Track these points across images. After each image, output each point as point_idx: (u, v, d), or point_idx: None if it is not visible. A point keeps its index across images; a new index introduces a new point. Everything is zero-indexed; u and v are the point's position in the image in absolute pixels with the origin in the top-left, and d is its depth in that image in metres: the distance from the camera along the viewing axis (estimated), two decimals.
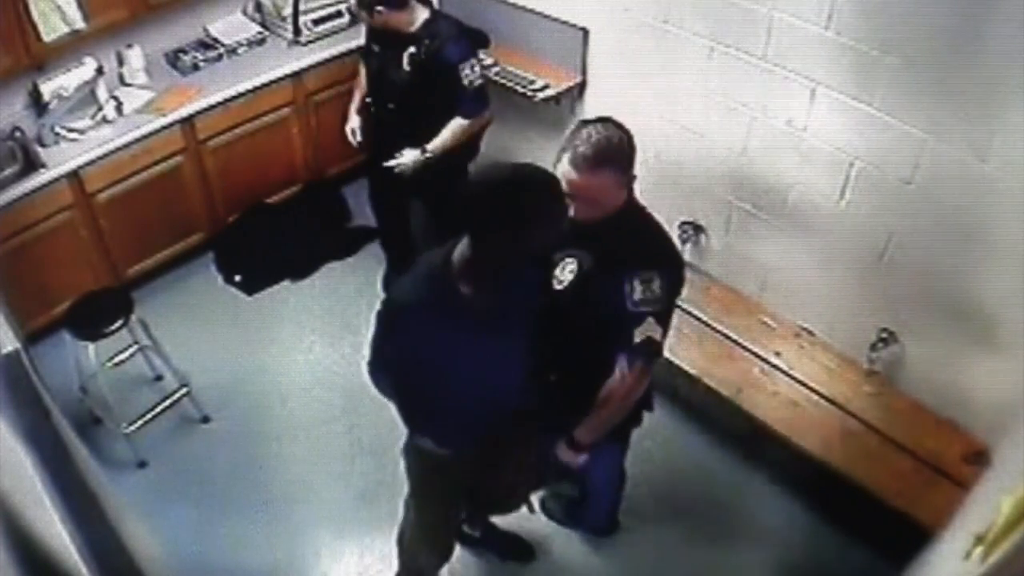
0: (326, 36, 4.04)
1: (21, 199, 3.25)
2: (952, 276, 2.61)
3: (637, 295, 1.95)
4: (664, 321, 2.04)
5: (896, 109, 2.54)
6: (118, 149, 3.47)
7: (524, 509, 2.67)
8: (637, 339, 1.99)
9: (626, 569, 2.91)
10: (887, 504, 2.60)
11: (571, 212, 1.89)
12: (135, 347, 3.30)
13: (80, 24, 3.35)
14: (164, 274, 3.91)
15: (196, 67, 3.84)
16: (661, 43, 3.10)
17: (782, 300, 3.19)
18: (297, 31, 3.97)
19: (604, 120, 1.98)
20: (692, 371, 3.03)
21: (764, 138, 2.95)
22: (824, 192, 2.85)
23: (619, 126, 1.96)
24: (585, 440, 2.19)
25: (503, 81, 3.58)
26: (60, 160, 3.35)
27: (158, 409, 3.24)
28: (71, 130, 3.45)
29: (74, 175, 3.39)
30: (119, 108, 3.56)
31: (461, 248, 1.82)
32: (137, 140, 3.51)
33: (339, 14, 4.06)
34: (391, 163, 3.27)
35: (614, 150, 1.92)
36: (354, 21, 4.00)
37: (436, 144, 3.20)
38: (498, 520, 2.87)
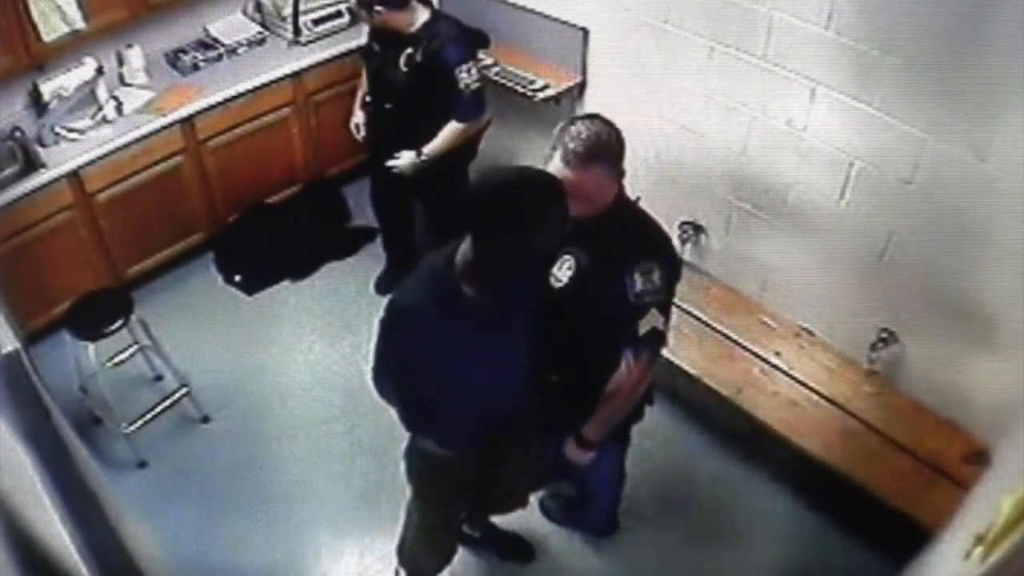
0: (326, 36, 4.04)
1: (21, 199, 3.25)
2: (952, 276, 2.61)
3: (638, 287, 1.97)
4: (666, 311, 2.06)
5: (896, 109, 2.54)
6: (118, 149, 3.47)
7: (524, 509, 2.68)
8: (642, 330, 2.01)
9: (626, 569, 2.91)
10: (887, 504, 2.60)
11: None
12: (135, 347, 3.30)
13: (80, 24, 3.35)
14: (164, 274, 3.91)
15: (196, 67, 3.84)
16: (661, 43, 3.10)
17: (782, 300, 3.19)
18: (297, 31, 3.97)
19: (592, 116, 2.00)
20: (692, 371, 3.03)
21: (764, 138, 2.95)
22: (824, 192, 2.85)
23: (606, 121, 1.98)
24: (594, 437, 2.20)
25: (503, 81, 3.58)
26: (60, 160, 3.35)
27: (158, 409, 3.24)
28: (71, 130, 3.45)
29: (74, 175, 3.39)
30: (119, 108, 3.56)
31: (463, 249, 1.82)
32: (137, 140, 3.51)
33: (339, 14, 4.06)
34: (390, 163, 3.28)
35: (604, 145, 1.93)
36: (354, 21, 4.01)
37: (431, 147, 3.21)
38: (498, 520, 2.87)
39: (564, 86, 3.52)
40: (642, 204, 2.18)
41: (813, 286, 3.05)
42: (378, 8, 3.03)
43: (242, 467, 3.19)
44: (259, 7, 4.14)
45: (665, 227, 2.15)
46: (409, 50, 3.07)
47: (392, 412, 2.15)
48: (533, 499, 2.84)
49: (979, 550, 1.16)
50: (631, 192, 2.12)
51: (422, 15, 3.09)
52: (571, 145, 1.90)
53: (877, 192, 2.71)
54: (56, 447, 1.59)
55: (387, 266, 3.91)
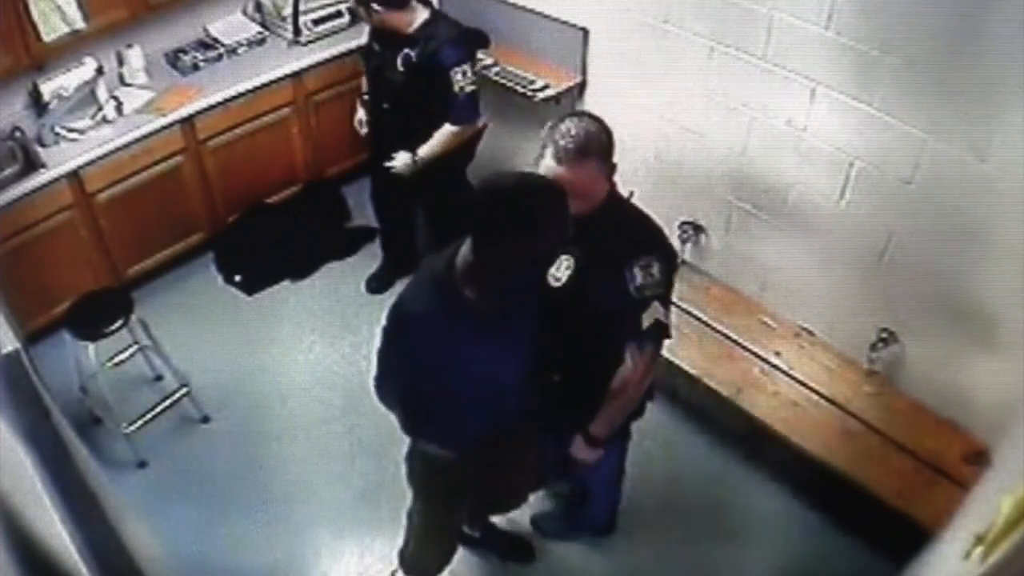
0: (326, 36, 4.03)
1: (21, 199, 3.25)
2: (952, 276, 2.61)
3: (639, 281, 1.99)
4: (667, 303, 2.07)
5: (896, 109, 2.54)
6: (118, 149, 3.47)
7: (523, 509, 2.68)
8: (645, 324, 2.02)
9: (626, 569, 2.92)
10: (887, 504, 2.60)
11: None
12: (135, 347, 3.30)
13: (80, 24, 3.35)
14: (164, 274, 3.91)
15: (196, 67, 3.84)
16: (661, 43, 3.10)
17: (782, 300, 3.19)
18: (297, 31, 3.97)
19: (580, 114, 2.01)
20: (692, 371, 3.03)
21: (764, 138, 2.95)
22: (824, 192, 2.85)
23: (594, 118, 1.99)
24: (601, 434, 2.22)
25: (503, 81, 3.58)
26: (60, 160, 3.35)
27: (158, 409, 3.24)
28: (71, 130, 3.45)
29: (74, 175, 3.39)
30: (119, 108, 3.56)
31: (463, 252, 1.82)
32: (137, 140, 3.51)
33: (339, 14, 4.06)
34: (387, 164, 3.28)
35: (595, 141, 1.94)
36: (354, 21, 4.01)
37: (425, 150, 3.21)
38: (498, 520, 2.87)
39: (564, 86, 3.52)
40: (642, 203, 2.19)
41: (813, 286, 3.05)
42: (376, 8, 3.03)
43: (242, 467, 3.19)
44: (259, 7, 4.14)
45: (659, 222, 2.16)
46: (407, 50, 3.07)
47: (392, 416, 2.15)
48: (532, 499, 2.84)
49: (979, 550, 1.16)
50: (624, 189, 2.13)
51: (421, 15, 3.09)
52: (562, 143, 1.91)
53: (877, 192, 2.71)
54: (56, 447, 1.59)
55: (381, 266, 3.92)
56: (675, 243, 3.00)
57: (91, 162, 3.41)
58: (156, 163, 3.62)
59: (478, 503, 2.57)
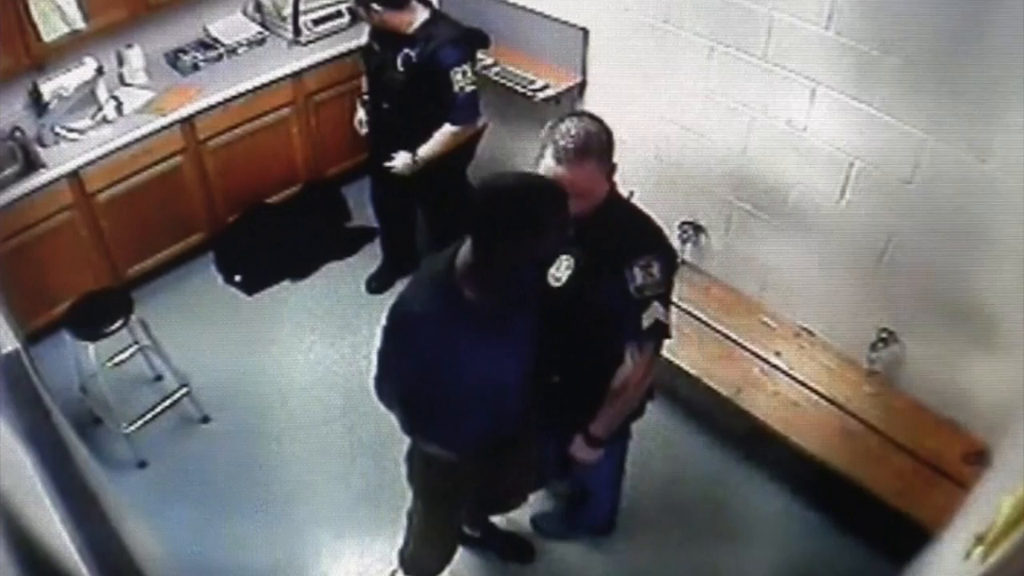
0: (326, 36, 4.03)
1: (21, 199, 3.25)
2: (952, 276, 2.61)
3: (639, 281, 1.99)
4: (667, 303, 2.08)
5: (896, 109, 2.54)
6: (118, 149, 3.47)
7: (523, 509, 2.68)
8: (645, 324, 2.03)
9: (626, 569, 2.92)
10: (887, 504, 2.60)
11: None
12: (135, 347, 3.30)
13: (80, 24, 3.35)
14: (164, 274, 3.91)
15: (196, 67, 3.84)
16: (661, 43, 3.10)
17: (782, 300, 3.19)
18: (297, 31, 3.97)
19: (579, 113, 2.02)
20: (692, 371, 3.03)
21: (764, 138, 2.95)
22: (824, 192, 2.85)
23: (594, 117, 1.99)
24: (601, 434, 2.22)
25: (503, 81, 3.58)
26: (60, 160, 3.35)
27: (158, 409, 3.24)
28: (71, 130, 3.45)
29: (74, 175, 3.39)
30: (119, 108, 3.56)
31: (463, 253, 1.82)
32: (137, 140, 3.51)
33: (339, 14, 4.06)
34: (386, 164, 3.28)
35: (595, 141, 1.94)
36: (354, 21, 4.01)
37: (425, 151, 3.21)
38: (498, 520, 2.87)
39: (564, 86, 3.51)
40: (642, 203, 2.19)
41: (813, 286, 3.05)
42: (376, 8, 3.03)
43: (242, 467, 3.19)
44: (259, 7, 4.14)
45: (659, 222, 2.16)
46: (407, 50, 3.07)
47: (392, 416, 2.15)
48: (532, 499, 2.84)
49: (979, 550, 1.16)
50: (624, 189, 2.13)
51: (421, 15, 3.09)
52: (562, 143, 1.92)
53: (877, 192, 2.70)
54: (56, 447, 1.58)
55: (381, 266, 3.92)
56: (675, 243, 3.01)
57: (91, 162, 3.41)
58: (156, 163, 3.63)
59: (478, 503, 2.57)
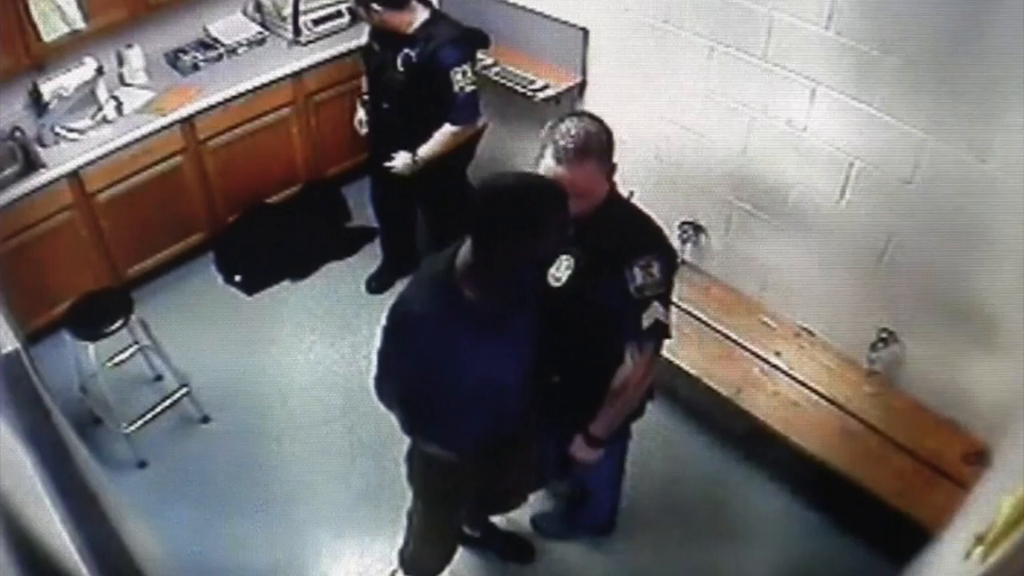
0: (326, 36, 4.04)
1: (21, 199, 3.25)
2: (952, 276, 2.61)
3: (639, 281, 2.00)
4: (667, 303, 2.08)
5: (896, 109, 2.54)
6: (118, 149, 3.47)
7: (523, 509, 2.68)
8: (645, 324, 2.03)
9: (626, 569, 2.92)
10: (887, 504, 2.60)
11: None
12: (135, 347, 3.30)
13: (80, 24, 3.35)
14: (164, 274, 3.91)
15: (196, 67, 3.84)
16: (661, 43, 3.10)
17: (782, 300, 3.19)
18: (297, 31, 3.97)
19: (579, 113, 2.02)
20: (692, 371, 3.03)
21: (764, 138, 2.95)
22: (824, 192, 2.85)
23: (594, 117, 1.99)
24: (601, 434, 2.22)
25: (503, 81, 3.58)
26: (60, 160, 3.35)
27: (158, 409, 3.24)
28: (71, 130, 3.45)
29: (74, 175, 3.39)
30: (119, 108, 3.56)
31: (463, 253, 1.82)
32: (137, 140, 3.51)
33: (339, 14, 4.06)
34: (386, 164, 3.28)
35: (594, 141, 1.94)
36: (354, 21, 4.01)
37: (425, 151, 3.21)
38: (498, 520, 2.87)
39: (564, 86, 3.51)
40: (642, 203, 2.19)
41: (813, 286, 3.05)
42: (376, 8, 3.03)
43: (242, 467, 3.19)
44: (259, 7, 4.14)
45: (659, 222, 2.16)
46: (407, 50, 3.07)
47: (392, 416, 2.15)
48: (532, 499, 2.84)
49: (979, 550, 1.16)
50: (624, 189, 2.13)
51: (421, 15, 3.09)
52: (562, 143, 1.92)
53: (877, 192, 2.70)
54: (56, 447, 1.58)
55: (381, 266, 3.92)
56: (675, 243, 3.01)
57: (91, 162, 3.41)
58: (156, 163, 3.63)
59: (478, 503, 2.57)
